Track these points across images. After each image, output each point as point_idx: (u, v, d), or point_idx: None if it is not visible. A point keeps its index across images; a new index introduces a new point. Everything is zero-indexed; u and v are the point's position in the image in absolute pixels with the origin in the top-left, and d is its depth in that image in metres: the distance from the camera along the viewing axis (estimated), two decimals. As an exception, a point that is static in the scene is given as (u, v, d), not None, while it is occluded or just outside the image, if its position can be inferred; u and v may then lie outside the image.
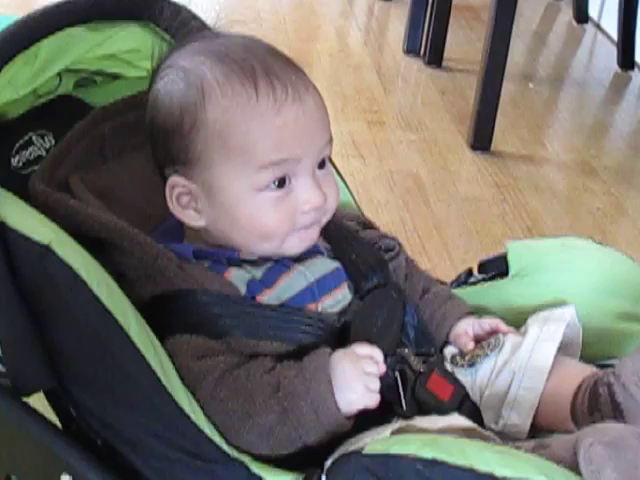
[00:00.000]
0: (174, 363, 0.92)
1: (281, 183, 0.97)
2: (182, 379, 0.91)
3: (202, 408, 0.90)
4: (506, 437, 0.99)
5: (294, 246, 1.01)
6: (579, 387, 1.00)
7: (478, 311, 1.14)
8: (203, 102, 0.96)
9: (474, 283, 1.19)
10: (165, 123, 0.99)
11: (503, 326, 1.10)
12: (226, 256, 1.00)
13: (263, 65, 0.97)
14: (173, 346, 0.93)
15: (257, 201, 0.97)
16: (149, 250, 0.97)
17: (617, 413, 0.95)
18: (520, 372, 1.03)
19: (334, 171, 1.25)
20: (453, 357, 1.08)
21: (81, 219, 0.97)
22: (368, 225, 1.20)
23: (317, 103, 1.00)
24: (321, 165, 1.01)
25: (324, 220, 1.03)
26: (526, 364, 1.03)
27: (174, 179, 1.00)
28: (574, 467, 0.81)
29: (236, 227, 0.99)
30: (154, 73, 1.04)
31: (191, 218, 1.01)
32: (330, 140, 1.01)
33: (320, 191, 0.99)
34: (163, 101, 1.00)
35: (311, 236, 1.02)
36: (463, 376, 1.06)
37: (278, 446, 0.90)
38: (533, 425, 1.01)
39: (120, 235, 0.97)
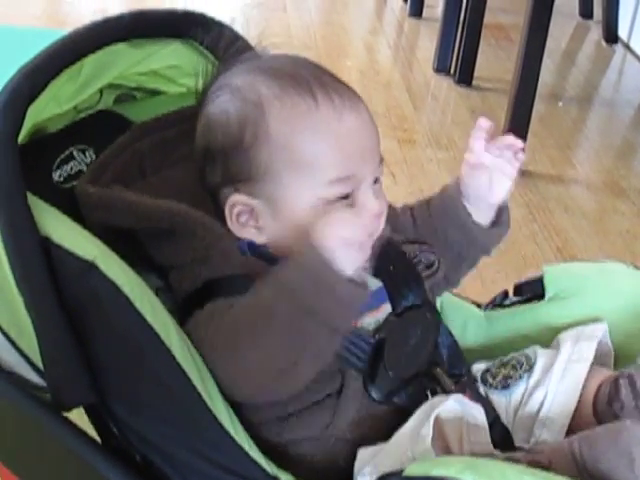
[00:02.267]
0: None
1: (346, 196, 0.97)
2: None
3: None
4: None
5: (347, 261, 0.92)
6: (601, 384, 1.02)
7: (515, 334, 1.14)
8: (263, 115, 0.96)
9: (510, 305, 1.19)
10: (223, 142, 0.99)
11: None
12: None
13: (316, 78, 0.98)
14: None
15: (326, 213, 0.94)
16: (213, 231, 0.97)
17: (637, 401, 0.97)
18: (552, 393, 1.03)
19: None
20: (483, 375, 1.08)
21: (141, 209, 0.97)
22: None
23: (370, 117, 1.00)
24: (375, 181, 1.00)
25: (373, 237, 1.00)
26: (558, 385, 1.04)
27: (235, 198, 0.99)
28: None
29: (303, 239, 0.95)
30: (204, 96, 1.04)
31: (252, 235, 0.99)
32: (382, 159, 1.01)
33: (379, 200, 0.99)
34: (219, 120, 1.00)
35: (364, 254, 0.94)
36: (497, 397, 1.06)
37: (288, 359, 0.88)
38: None
39: (184, 218, 0.96)
